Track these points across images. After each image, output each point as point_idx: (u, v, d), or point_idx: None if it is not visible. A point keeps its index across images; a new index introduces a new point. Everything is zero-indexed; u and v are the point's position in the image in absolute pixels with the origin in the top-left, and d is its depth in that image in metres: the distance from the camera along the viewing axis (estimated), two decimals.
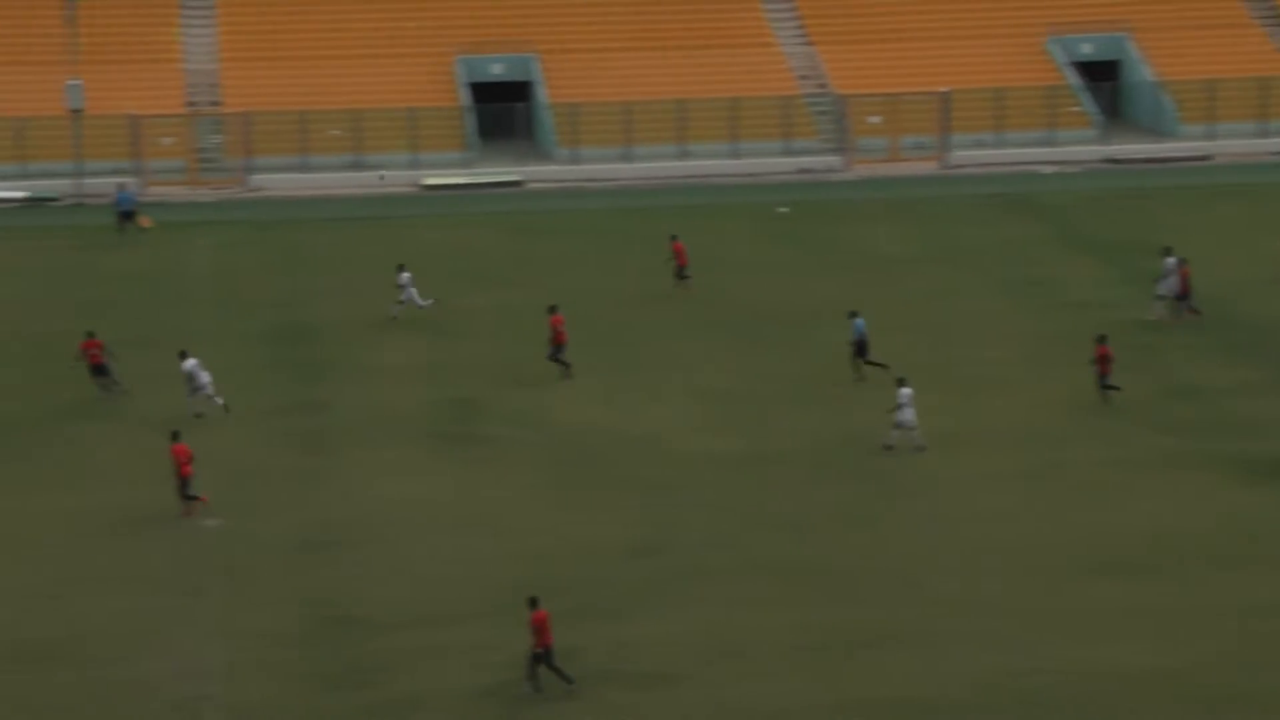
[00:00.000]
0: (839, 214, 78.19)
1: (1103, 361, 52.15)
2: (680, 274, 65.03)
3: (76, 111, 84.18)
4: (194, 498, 45.05)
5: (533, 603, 36.16)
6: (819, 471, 48.00)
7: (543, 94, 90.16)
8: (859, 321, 54.86)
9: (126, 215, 75.62)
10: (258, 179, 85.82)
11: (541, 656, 35.86)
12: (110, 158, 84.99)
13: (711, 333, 60.41)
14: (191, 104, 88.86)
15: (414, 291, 62.00)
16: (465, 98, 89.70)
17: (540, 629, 35.88)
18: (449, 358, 57.06)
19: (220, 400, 52.17)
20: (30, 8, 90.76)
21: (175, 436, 45.64)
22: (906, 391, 48.80)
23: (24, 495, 46.52)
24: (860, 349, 54.65)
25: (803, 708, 35.63)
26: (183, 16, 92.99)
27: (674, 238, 65.99)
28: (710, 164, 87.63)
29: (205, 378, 52.03)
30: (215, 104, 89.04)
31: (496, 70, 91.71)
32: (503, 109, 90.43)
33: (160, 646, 38.18)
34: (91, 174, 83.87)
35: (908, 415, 48.67)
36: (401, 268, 62.55)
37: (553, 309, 56.19)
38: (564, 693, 35.90)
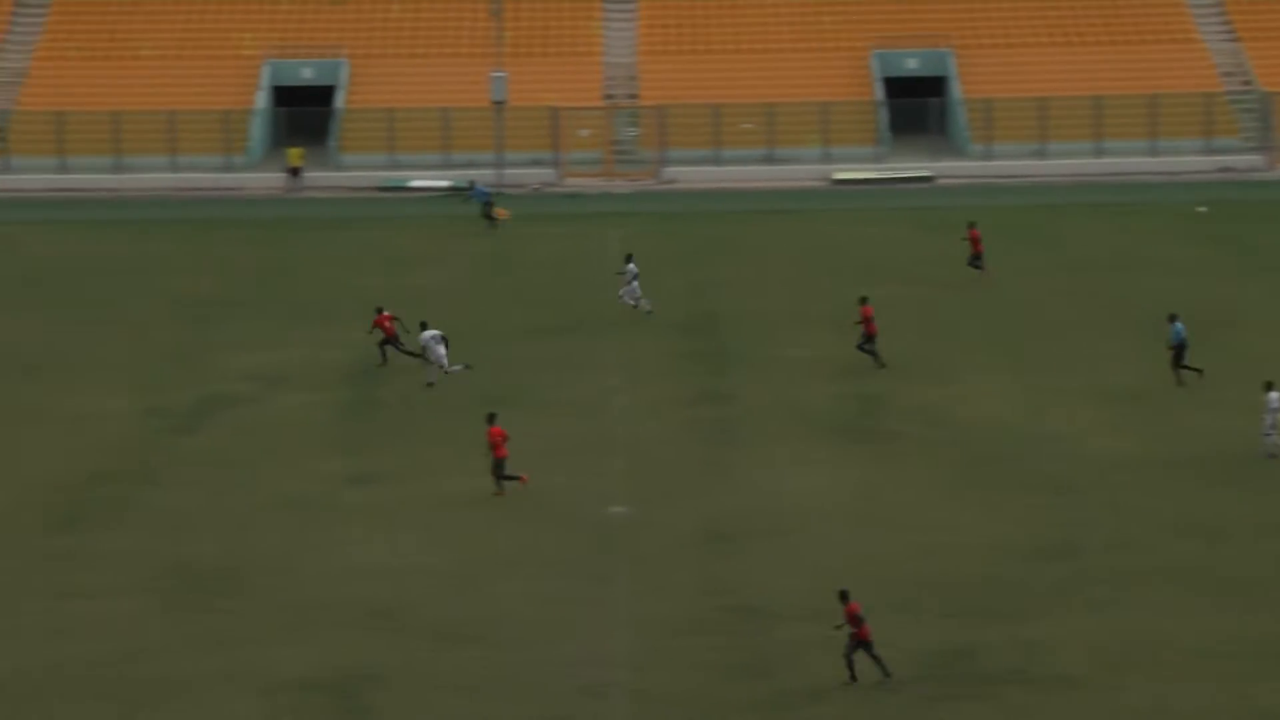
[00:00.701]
0: (1261, 214, 76.20)
1: None
2: (974, 261, 64.87)
3: (499, 103, 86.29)
4: (512, 478, 46.03)
5: (843, 596, 36.33)
6: (1228, 476, 46.89)
7: (957, 89, 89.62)
8: (1179, 325, 53.61)
9: (487, 204, 77.41)
10: (670, 171, 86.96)
11: (860, 645, 36.04)
12: (529, 149, 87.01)
13: (1120, 332, 59.44)
14: (609, 96, 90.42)
15: (636, 286, 61.72)
16: (879, 92, 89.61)
17: (855, 621, 35.95)
18: (853, 352, 57.08)
19: (458, 368, 54.44)
20: (460, 3, 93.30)
21: (491, 419, 46.59)
22: (1275, 396, 47.55)
23: (439, 478, 47.87)
24: (1179, 353, 53.43)
25: (1209, 716, 34.91)
26: (604, 10, 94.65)
27: (971, 225, 65.47)
28: (1127, 161, 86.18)
29: (441, 350, 54.01)
30: (632, 97, 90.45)
31: (911, 65, 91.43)
32: (916, 104, 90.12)
33: (568, 631, 38.99)
34: (511, 164, 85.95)
35: (1269, 420, 47.46)
36: (629, 258, 62.54)
37: (863, 299, 56.01)
38: (882, 685, 35.98)
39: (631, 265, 61.80)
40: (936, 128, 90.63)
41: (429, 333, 54.67)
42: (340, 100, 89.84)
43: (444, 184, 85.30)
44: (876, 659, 36.16)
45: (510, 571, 42.12)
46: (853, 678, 36.08)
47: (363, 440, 50.94)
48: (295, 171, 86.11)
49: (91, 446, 50.39)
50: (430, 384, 54.31)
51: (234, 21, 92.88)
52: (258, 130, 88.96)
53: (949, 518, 44.79)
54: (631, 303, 61.36)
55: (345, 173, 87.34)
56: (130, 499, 46.65)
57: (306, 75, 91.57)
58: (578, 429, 51.31)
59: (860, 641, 36.12)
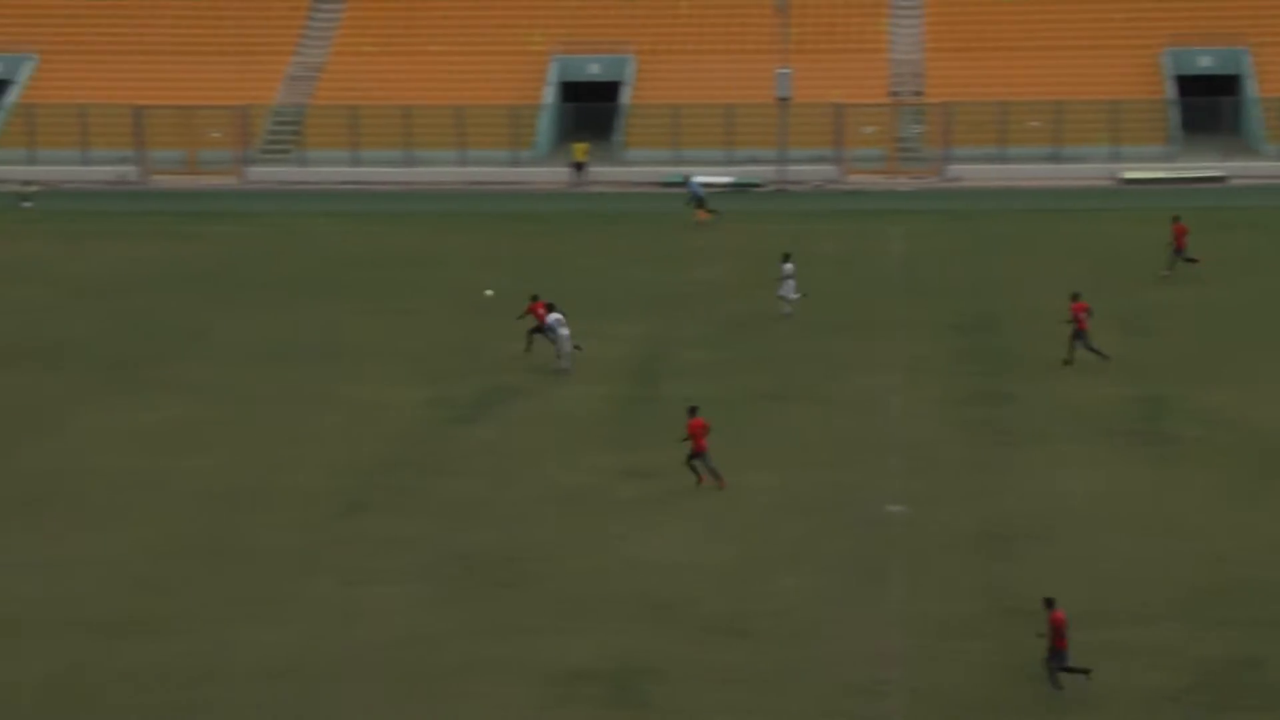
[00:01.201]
0: None
1: None
2: (1179, 257, 64.43)
3: (784, 99, 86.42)
4: (713, 471, 46.25)
5: (1049, 603, 35.78)
6: None
7: (1252, 88, 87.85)
8: None
9: (698, 203, 77.48)
10: (954, 169, 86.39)
11: (1053, 655, 35.52)
12: (812, 145, 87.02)
13: None
14: (894, 94, 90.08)
15: (791, 284, 60.94)
16: (1170, 91, 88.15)
17: (1057, 630, 35.38)
18: (1138, 353, 56.30)
19: (567, 365, 55.31)
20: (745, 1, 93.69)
21: (693, 411, 46.65)
22: None
23: (731, 473, 48.10)
24: None
25: None
26: (891, 7, 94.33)
27: (1176, 219, 64.67)
28: None
29: (565, 333, 55.18)
30: (918, 94, 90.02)
31: (1204, 63, 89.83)
32: (1209, 103, 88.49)
33: (845, 628, 39.00)
34: (794, 161, 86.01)
35: None
36: (786, 258, 61.80)
37: (1075, 296, 55.25)
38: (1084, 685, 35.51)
39: (789, 265, 61.59)
40: (1230, 127, 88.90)
41: (555, 315, 55.50)
42: (626, 96, 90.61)
43: (726, 180, 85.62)
44: (1053, 671, 35.65)
45: (787, 567, 42.24)
46: (1056, 686, 35.62)
47: (639, 434, 51.36)
48: (580, 166, 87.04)
49: (380, 434, 51.51)
50: (565, 369, 55.32)
51: (523, 17, 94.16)
52: (545, 125, 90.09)
53: (1235, 523, 43.99)
54: (787, 307, 61.12)
55: (629, 168, 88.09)
56: (415, 486, 47.60)
57: (593, 71, 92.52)
58: (856, 426, 51.28)
59: (1054, 651, 35.64)
